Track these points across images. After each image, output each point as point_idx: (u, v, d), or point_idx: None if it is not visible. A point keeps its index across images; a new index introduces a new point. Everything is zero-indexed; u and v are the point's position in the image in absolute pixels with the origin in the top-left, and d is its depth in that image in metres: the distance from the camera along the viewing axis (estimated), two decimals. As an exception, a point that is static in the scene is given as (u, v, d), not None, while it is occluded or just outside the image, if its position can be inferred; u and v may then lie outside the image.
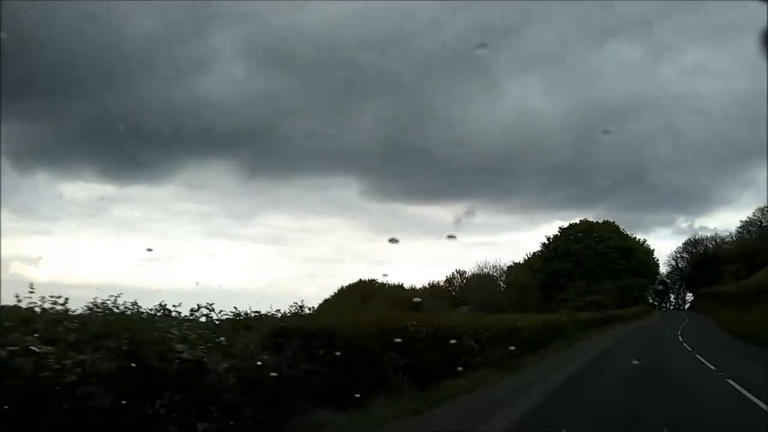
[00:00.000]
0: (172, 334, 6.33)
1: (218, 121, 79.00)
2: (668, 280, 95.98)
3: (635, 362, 18.79)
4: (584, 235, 77.09)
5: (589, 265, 73.30)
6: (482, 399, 12.00)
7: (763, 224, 79.97)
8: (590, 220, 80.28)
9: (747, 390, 13.51)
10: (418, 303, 47.17)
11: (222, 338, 7.07)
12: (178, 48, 77.48)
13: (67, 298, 6.34)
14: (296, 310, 10.57)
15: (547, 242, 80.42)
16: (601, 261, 74.21)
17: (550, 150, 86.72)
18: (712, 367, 19.31)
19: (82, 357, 5.28)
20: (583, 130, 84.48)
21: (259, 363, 7.42)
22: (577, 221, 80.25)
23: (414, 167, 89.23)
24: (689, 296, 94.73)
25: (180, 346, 6.26)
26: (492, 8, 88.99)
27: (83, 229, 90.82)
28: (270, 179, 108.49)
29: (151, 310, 7.79)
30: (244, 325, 8.68)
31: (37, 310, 6.07)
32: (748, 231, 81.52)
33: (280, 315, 10.26)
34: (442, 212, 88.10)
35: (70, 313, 6.29)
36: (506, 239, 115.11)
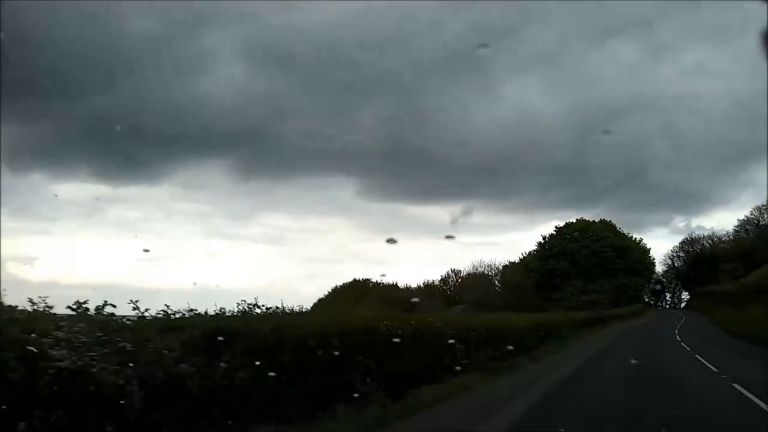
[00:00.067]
0: (48, 338, 4.95)
1: (217, 121, 77.82)
2: (664, 279, 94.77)
3: (633, 361, 18.13)
4: (580, 234, 75.74)
5: (585, 264, 71.96)
6: (460, 409, 10.60)
7: (761, 223, 78.73)
8: (587, 219, 79.07)
9: (750, 392, 12.59)
10: (414, 303, 46.02)
11: (127, 343, 5.68)
12: (177, 48, 76.24)
13: None
14: (247, 309, 9.17)
15: (543, 241, 79.17)
16: (597, 260, 72.88)
17: (550, 150, 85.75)
18: (714, 369, 18.00)
19: None
20: (582, 130, 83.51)
21: (178, 371, 6.05)
22: (574, 220, 79.02)
23: (413, 167, 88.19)
24: (685, 295, 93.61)
25: (58, 353, 4.88)
26: (492, 8, 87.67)
27: (81, 229, 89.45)
28: (269, 179, 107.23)
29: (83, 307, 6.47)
30: (174, 326, 7.32)
31: None
32: (746, 230, 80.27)
33: (223, 313, 8.99)
34: (442, 212, 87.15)
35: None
36: (506, 239, 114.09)
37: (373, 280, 69.66)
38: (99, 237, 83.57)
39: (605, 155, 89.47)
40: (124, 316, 6.83)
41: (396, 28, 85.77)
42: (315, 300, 56.76)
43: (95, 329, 5.63)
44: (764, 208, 77.98)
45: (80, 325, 5.53)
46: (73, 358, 4.98)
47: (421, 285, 77.48)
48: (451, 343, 14.38)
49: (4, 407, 4.63)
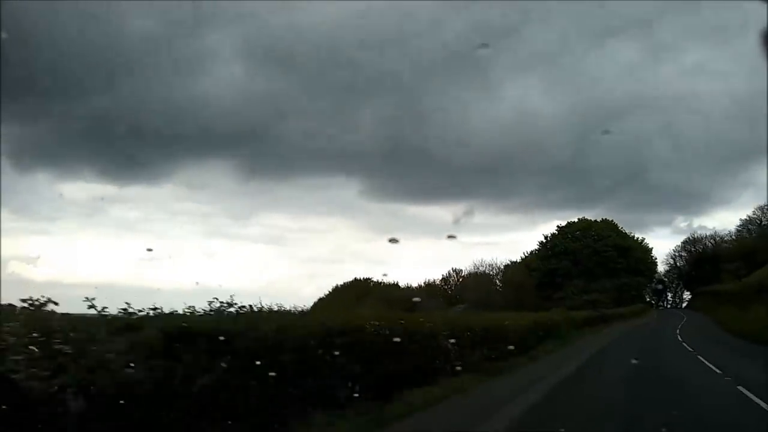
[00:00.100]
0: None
1: (217, 121, 77.43)
2: (666, 279, 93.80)
3: (634, 361, 17.80)
4: (582, 234, 74.85)
5: (587, 264, 71.11)
6: (450, 414, 9.92)
7: (763, 223, 77.73)
8: (589, 218, 78.17)
9: (754, 394, 12.11)
10: (416, 302, 45.43)
11: (65, 345, 5.04)
12: (177, 48, 75.82)
13: None
14: (222, 307, 8.50)
15: (544, 241, 78.30)
16: (599, 259, 72.00)
17: (550, 150, 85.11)
18: (717, 370, 17.28)
19: None
20: (582, 130, 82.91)
21: (126, 377, 5.40)
22: (576, 220, 78.12)
23: (414, 167, 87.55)
24: (687, 295, 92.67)
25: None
26: (492, 8, 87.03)
27: (82, 228, 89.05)
28: (269, 179, 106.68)
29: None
30: (133, 325, 6.66)
31: None
32: (748, 230, 79.30)
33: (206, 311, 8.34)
34: (442, 212, 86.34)
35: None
36: (506, 239, 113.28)
37: (374, 280, 68.92)
38: (100, 237, 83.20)
39: (605, 155, 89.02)
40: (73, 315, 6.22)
41: (396, 28, 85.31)
42: (315, 300, 56.11)
43: (29, 330, 4.98)
44: (767, 207, 77.14)
45: (10, 324, 4.89)
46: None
47: (422, 284, 76.80)
48: (445, 344, 13.75)
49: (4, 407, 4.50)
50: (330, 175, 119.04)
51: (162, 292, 7.77)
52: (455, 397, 11.08)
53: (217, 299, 8.24)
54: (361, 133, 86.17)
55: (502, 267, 77.20)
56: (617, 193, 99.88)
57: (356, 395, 9.17)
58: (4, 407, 4.47)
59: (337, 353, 9.08)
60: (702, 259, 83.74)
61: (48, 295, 5.96)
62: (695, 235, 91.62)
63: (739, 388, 13.07)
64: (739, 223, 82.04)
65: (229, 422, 6.59)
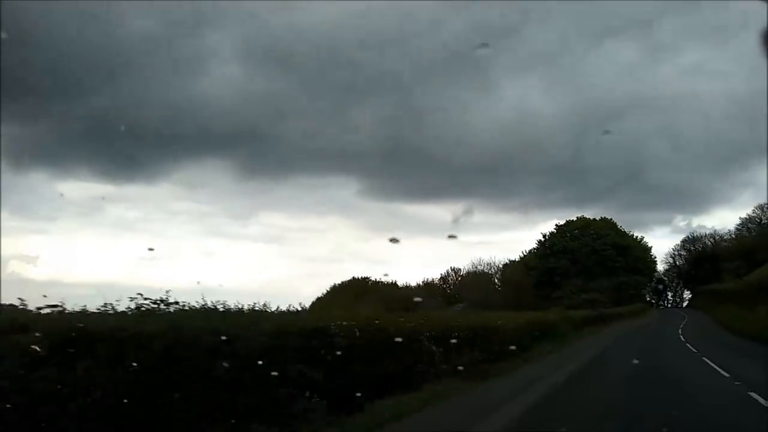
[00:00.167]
0: None
1: (217, 121, 76.35)
2: (665, 278, 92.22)
3: (635, 362, 17.26)
4: (581, 232, 73.28)
5: (586, 263, 69.52)
6: (423, 427, 8.52)
7: (763, 221, 76.22)
8: (587, 217, 76.59)
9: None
10: (417, 302, 44.29)
11: None
12: (177, 48, 74.74)
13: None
14: (154, 305, 7.08)
15: (543, 239, 76.76)
16: (597, 258, 70.41)
17: (549, 150, 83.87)
18: (725, 373, 15.86)
19: None
20: (582, 130, 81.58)
21: None
22: (574, 218, 76.53)
23: (413, 167, 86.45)
24: (687, 294, 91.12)
25: None
26: (492, 8, 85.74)
27: (81, 228, 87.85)
28: (269, 179, 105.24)
29: None
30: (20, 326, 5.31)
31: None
32: (748, 228, 77.80)
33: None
34: (441, 211, 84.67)
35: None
36: (505, 238, 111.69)
37: (373, 279, 67.62)
38: (99, 236, 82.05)
39: (605, 155, 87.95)
40: None
41: (396, 28, 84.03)
42: (314, 299, 54.85)
43: None
44: (766, 206, 75.64)
45: None
46: None
47: (421, 284, 75.40)
48: (428, 346, 12.38)
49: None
50: (329, 175, 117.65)
51: (162, 291, 7.31)
52: (433, 406, 9.68)
53: (141, 294, 6.81)
54: (360, 132, 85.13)
55: (501, 266, 75.84)
56: (616, 193, 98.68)
57: (315, 407, 7.79)
58: None
59: (297, 359, 7.74)
60: (702, 258, 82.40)
61: (48, 294, 5.76)
62: (694, 234, 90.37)
63: (752, 394, 11.76)
64: (738, 222, 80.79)
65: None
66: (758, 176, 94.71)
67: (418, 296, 60.70)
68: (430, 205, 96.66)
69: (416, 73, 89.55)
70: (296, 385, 7.74)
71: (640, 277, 75.95)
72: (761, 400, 11.15)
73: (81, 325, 5.35)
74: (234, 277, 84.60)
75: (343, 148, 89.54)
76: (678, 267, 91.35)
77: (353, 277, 69.95)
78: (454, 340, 13.71)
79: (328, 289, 67.49)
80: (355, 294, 61.58)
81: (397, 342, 11.12)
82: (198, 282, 9.58)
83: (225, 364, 6.40)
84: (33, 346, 4.96)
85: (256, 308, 9.62)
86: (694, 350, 23.22)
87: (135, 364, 5.30)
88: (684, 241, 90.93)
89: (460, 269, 77.21)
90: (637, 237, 78.65)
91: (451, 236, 15.40)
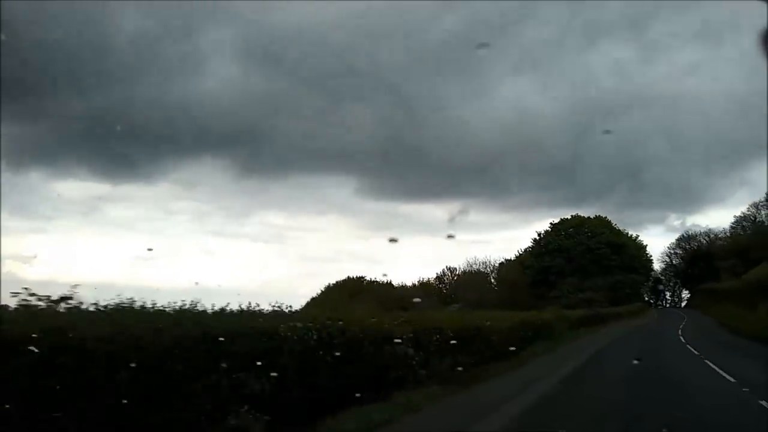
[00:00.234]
0: None
1: (214, 120, 75.04)
2: (663, 277, 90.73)
3: (635, 362, 16.81)
4: (575, 231, 71.76)
5: (581, 261, 68.01)
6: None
7: (757, 220, 74.88)
8: (582, 215, 75.13)
9: None
10: (415, 302, 42.95)
11: None
12: (174, 47, 73.45)
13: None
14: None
15: (538, 238, 75.30)
16: (592, 257, 68.89)
17: (546, 149, 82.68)
18: (731, 378, 14.53)
19: None
20: (579, 129, 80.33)
21: None
22: (569, 216, 75.04)
23: (410, 166, 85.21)
24: (685, 293, 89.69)
25: None
26: (490, 8, 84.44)
27: (79, 227, 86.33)
28: (266, 178, 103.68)
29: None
30: None
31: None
32: (742, 227, 76.39)
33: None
34: (439, 211, 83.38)
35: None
36: (502, 237, 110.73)
37: (368, 278, 66.25)
38: (97, 235, 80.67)
39: (601, 154, 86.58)
40: None
41: (394, 27, 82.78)
42: (309, 299, 53.44)
43: None
44: (761, 204, 74.29)
45: None
46: None
47: (417, 283, 73.85)
48: (404, 350, 10.98)
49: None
50: (326, 174, 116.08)
51: (161, 291, 7.26)
52: (403, 420, 8.27)
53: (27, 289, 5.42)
54: (358, 132, 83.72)
55: (497, 265, 74.43)
56: (613, 192, 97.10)
57: (248, 424, 6.38)
58: None
59: (224, 366, 6.35)
60: (697, 256, 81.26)
61: (45, 293, 5.56)
62: (689, 233, 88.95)
63: (763, 403, 10.45)
64: (733, 221, 79.37)
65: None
66: (752, 174, 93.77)
67: (414, 296, 59.33)
68: (428, 204, 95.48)
69: (414, 73, 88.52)
70: (238, 396, 6.36)
71: (636, 275, 74.41)
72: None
73: None
74: (233, 276, 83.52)
75: (341, 147, 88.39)
76: (675, 266, 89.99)
77: (348, 277, 68.66)
78: (435, 343, 12.41)
79: (323, 289, 66.08)
80: (350, 294, 60.29)
81: (366, 346, 9.80)
82: (196, 283, 9.73)
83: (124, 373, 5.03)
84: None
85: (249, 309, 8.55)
86: (696, 352, 22.04)
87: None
88: (679, 240, 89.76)
89: (456, 269, 75.81)
90: (631, 235, 77.32)
91: (450, 236, 14.03)
